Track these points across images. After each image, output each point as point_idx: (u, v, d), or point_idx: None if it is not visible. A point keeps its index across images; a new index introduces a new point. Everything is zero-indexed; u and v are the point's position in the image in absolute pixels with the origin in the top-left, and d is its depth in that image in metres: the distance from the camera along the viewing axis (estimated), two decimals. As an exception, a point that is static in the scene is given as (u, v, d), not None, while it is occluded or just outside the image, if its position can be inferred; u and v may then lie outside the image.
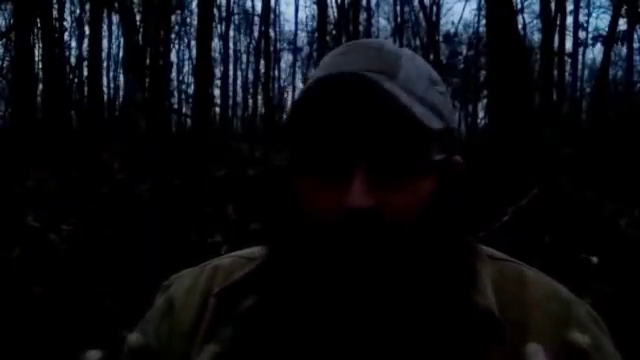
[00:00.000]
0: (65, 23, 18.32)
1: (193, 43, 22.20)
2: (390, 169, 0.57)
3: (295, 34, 27.66)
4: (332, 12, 20.63)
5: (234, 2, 24.41)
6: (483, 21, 18.07)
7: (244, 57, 29.06)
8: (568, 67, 20.38)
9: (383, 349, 0.59)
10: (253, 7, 28.29)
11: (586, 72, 26.14)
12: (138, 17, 15.05)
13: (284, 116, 24.87)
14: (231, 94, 26.61)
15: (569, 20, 19.14)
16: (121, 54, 22.44)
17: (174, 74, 25.79)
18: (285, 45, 29.53)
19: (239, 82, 28.99)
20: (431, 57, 19.70)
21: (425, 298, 0.59)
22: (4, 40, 14.32)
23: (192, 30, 22.31)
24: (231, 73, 26.52)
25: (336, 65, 0.61)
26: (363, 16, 21.92)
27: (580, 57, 22.30)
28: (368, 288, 0.57)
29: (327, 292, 0.58)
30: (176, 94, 26.10)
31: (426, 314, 0.59)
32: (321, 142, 0.58)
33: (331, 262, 0.57)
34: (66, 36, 19.49)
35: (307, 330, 0.60)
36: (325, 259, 0.57)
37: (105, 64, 22.21)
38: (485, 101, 20.73)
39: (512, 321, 0.61)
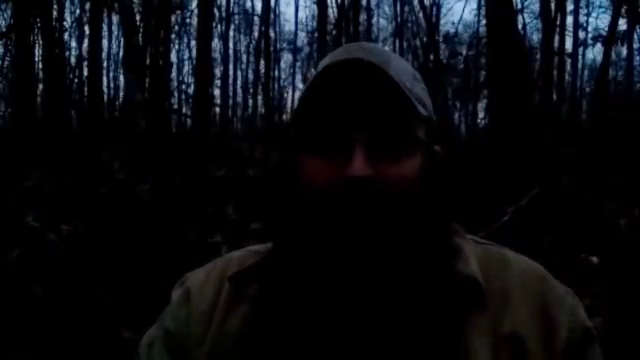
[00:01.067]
0: (65, 23, 18.31)
1: (193, 43, 22.22)
2: (386, 144, 0.64)
3: (295, 34, 27.70)
4: (332, 12, 20.63)
5: (234, 2, 24.43)
6: (483, 21, 18.06)
7: (244, 57, 29.10)
8: (568, 67, 20.39)
9: (378, 327, 0.64)
10: (253, 7, 28.34)
11: (586, 72, 26.15)
12: (138, 17, 15.05)
13: (284, 116, 24.91)
14: (231, 94, 26.60)
15: (569, 20, 19.15)
16: (121, 54, 22.45)
17: (174, 74, 25.79)
18: (285, 45, 29.55)
19: (239, 82, 29.01)
20: (431, 57, 19.70)
21: (414, 262, 0.66)
22: (4, 40, 14.32)
23: (192, 30, 22.32)
24: (231, 73, 26.52)
25: (339, 55, 0.68)
26: (363, 16, 21.92)
27: (580, 57, 22.30)
28: (368, 256, 0.63)
29: (330, 261, 0.64)
30: (176, 94, 26.09)
31: (413, 278, 0.65)
32: (323, 121, 0.65)
33: (334, 231, 0.63)
34: (66, 36, 19.48)
35: (312, 301, 0.65)
36: (329, 227, 0.63)
37: (105, 64, 22.22)
38: (485, 101, 20.74)
39: (495, 289, 0.67)
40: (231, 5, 23.62)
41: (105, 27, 21.51)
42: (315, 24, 21.48)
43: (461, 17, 48.18)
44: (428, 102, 0.71)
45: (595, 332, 0.69)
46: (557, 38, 16.70)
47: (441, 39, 23.58)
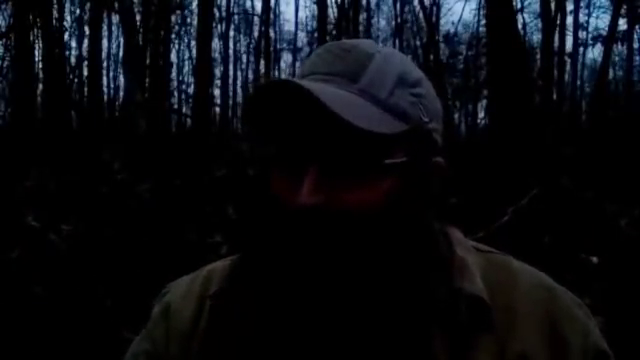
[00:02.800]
0: (65, 23, 18.32)
1: (193, 43, 22.20)
2: (339, 170, 0.59)
3: (295, 34, 27.70)
4: (332, 12, 20.64)
5: (234, 2, 24.43)
6: (483, 21, 18.06)
7: (244, 57, 29.12)
8: (568, 67, 20.38)
9: (345, 344, 0.60)
10: (253, 7, 28.31)
11: (586, 72, 26.15)
12: (138, 17, 15.05)
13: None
14: (231, 94, 26.62)
15: (569, 20, 19.15)
16: (121, 54, 22.44)
17: (174, 74, 25.81)
18: (285, 45, 29.55)
19: (239, 82, 29.03)
20: (431, 57, 19.70)
21: (395, 284, 0.60)
22: (4, 40, 14.31)
23: (192, 30, 22.32)
24: (231, 73, 26.56)
25: (310, 66, 0.64)
26: (363, 16, 21.92)
27: (580, 57, 22.31)
28: (322, 280, 0.59)
29: (289, 288, 0.60)
30: (176, 94, 26.11)
31: (396, 301, 0.60)
32: (277, 146, 0.62)
33: (291, 255, 0.59)
34: (66, 36, 19.47)
35: (285, 331, 0.61)
36: (286, 253, 0.60)
37: (105, 64, 22.23)
38: (485, 101, 20.73)
39: (501, 307, 0.63)
40: (231, 5, 23.65)
41: (105, 27, 21.51)
42: (315, 24, 21.49)
43: (460, 17, 48.05)
44: (414, 111, 0.62)
45: (610, 352, 0.65)
46: (557, 38, 16.71)
47: (441, 39, 23.58)
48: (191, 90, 23.49)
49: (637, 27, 18.13)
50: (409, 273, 0.61)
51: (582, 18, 22.00)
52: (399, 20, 23.55)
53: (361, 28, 20.02)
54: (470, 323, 0.61)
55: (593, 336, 0.64)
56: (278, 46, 27.72)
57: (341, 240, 0.58)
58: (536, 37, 22.44)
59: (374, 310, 0.60)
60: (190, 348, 0.67)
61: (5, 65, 16.11)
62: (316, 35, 20.10)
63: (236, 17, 26.60)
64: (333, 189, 0.58)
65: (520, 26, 15.67)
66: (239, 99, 29.38)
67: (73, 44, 21.35)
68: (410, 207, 0.62)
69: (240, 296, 0.65)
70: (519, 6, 19.10)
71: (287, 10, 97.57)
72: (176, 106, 24.36)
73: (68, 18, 20.16)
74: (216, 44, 22.76)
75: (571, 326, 0.63)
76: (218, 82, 23.77)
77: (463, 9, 61.71)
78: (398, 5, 23.13)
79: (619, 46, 17.66)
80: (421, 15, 20.81)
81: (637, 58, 20.30)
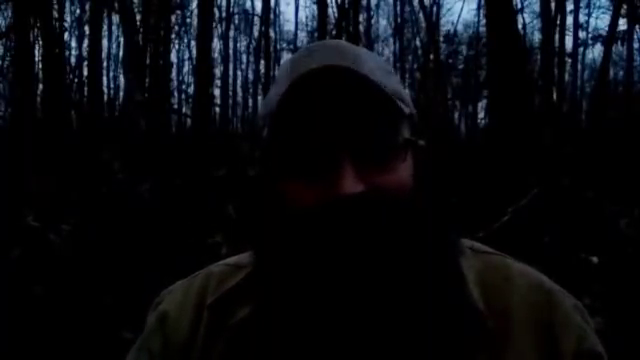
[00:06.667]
0: (65, 23, 18.31)
1: (193, 43, 22.18)
2: (375, 154, 0.58)
3: (295, 34, 27.67)
4: (332, 12, 20.63)
5: (234, 2, 24.42)
6: (483, 21, 18.06)
7: (244, 57, 29.11)
8: (568, 67, 20.37)
9: (376, 351, 0.57)
10: (253, 7, 28.31)
11: (586, 72, 26.14)
12: (138, 17, 15.05)
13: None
14: (231, 94, 26.60)
15: (569, 20, 19.14)
16: (121, 54, 22.44)
17: (174, 74, 25.78)
18: (285, 45, 29.52)
19: (239, 82, 29.02)
20: (431, 57, 19.69)
21: (420, 287, 0.57)
22: (4, 40, 14.31)
23: (192, 30, 22.31)
24: (231, 73, 26.53)
25: (304, 65, 0.60)
26: (363, 16, 21.91)
27: (580, 57, 22.29)
28: (366, 280, 0.55)
29: (321, 288, 0.56)
30: (176, 94, 26.10)
31: (417, 303, 0.57)
32: (303, 142, 0.58)
33: (325, 255, 0.55)
34: (66, 36, 19.49)
35: (305, 334, 0.58)
36: (318, 253, 0.55)
37: (105, 64, 22.20)
38: (485, 101, 20.72)
39: (496, 312, 0.61)
40: (231, 5, 23.63)
41: (105, 27, 21.49)
42: (315, 24, 21.48)
43: (459, 17, 48.08)
44: (407, 96, 0.64)
45: (605, 355, 0.63)
46: (557, 38, 16.70)
47: (441, 39, 23.57)
48: (191, 90, 23.50)
49: (637, 27, 18.13)
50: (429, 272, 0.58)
51: (582, 18, 22.00)
52: (399, 20, 23.55)
53: (361, 28, 20.01)
54: (465, 334, 0.59)
55: (588, 341, 0.63)
56: (278, 46, 27.70)
57: (389, 229, 0.56)
58: (536, 37, 22.45)
59: (401, 313, 0.57)
60: (189, 359, 0.65)
61: (5, 65, 16.10)
62: (316, 35, 20.08)
63: (236, 17, 26.61)
64: (369, 174, 0.57)
65: (520, 26, 15.69)
66: (239, 99, 29.40)
67: (73, 44, 21.39)
68: (429, 189, 0.62)
69: (257, 315, 0.62)
70: (519, 6, 19.12)
71: (287, 10, 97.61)
72: (176, 106, 24.35)
73: (68, 18, 20.16)
74: (216, 44, 22.76)
75: (567, 332, 0.62)
76: (218, 82, 23.75)
77: (461, 9, 61.69)
78: (398, 5, 23.13)
79: (619, 46, 17.66)
80: (421, 15, 20.81)
81: (637, 58, 20.31)
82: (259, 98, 25.86)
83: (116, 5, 13.73)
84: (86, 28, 19.00)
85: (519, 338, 0.61)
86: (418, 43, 23.02)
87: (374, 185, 0.57)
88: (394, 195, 0.57)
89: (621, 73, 23.88)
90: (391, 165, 0.59)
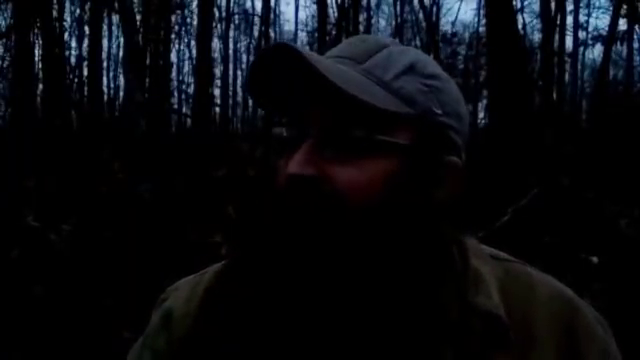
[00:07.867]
0: (65, 23, 18.29)
1: (193, 43, 22.18)
2: (335, 144, 0.57)
3: (295, 34, 27.66)
4: (332, 12, 20.63)
5: (234, 2, 24.42)
6: (483, 21, 18.06)
7: (244, 57, 29.09)
8: (568, 67, 20.36)
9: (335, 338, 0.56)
10: (253, 7, 28.28)
11: (586, 72, 26.14)
12: (138, 17, 15.04)
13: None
14: (231, 94, 26.60)
15: (569, 20, 19.14)
16: (121, 54, 22.44)
17: (174, 74, 25.78)
18: (285, 45, 29.46)
19: (239, 82, 28.99)
20: (431, 57, 19.67)
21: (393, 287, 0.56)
22: (4, 40, 14.31)
23: (192, 30, 22.30)
24: (231, 73, 26.53)
25: (327, 53, 0.65)
26: (363, 16, 21.91)
27: (580, 57, 22.29)
28: (310, 257, 0.55)
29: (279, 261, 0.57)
30: (176, 94, 26.08)
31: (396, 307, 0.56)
32: (283, 122, 0.62)
33: (281, 230, 0.56)
34: (66, 36, 19.47)
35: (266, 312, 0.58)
36: (277, 226, 0.57)
37: (105, 64, 22.21)
38: (485, 101, 20.73)
39: (518, 321, 0.60)
40: (231, 5, 23.62)
41: (105, 27, 21.50)
42: (315, 24, 21.49)
43: (456, 17, 47.86)
44: (424, 100, 0.60)
45: None
46: (557, 38, 16.70)
47: (441, 39, 23.57)
48: (191, 90, 23.49)
49: (637, 27, 18.13)
50: (412, 279, 0.57)
51: (582, 18, 22.00)
52: (399, 20, 23.55)
53: (361, 28, 20.01)
54: (485, 342, 0.57)
55: (612, 356, 0.63)
56: (278, 46, 27.64)
57: (331, 227, 0.54)
58: (536, 37, 22.45)
59: (370, 317, 0.56)
60: (194, 355, 0.63)
61: (5, 65, 16.10)
62: (316, 35, 20.08)
63: (236, 17, 26.61)
64: (326, 163, 0.56)
65: (520, 26, 15.67)
66: (239, 99, 29.40)
67: (73, 44, 21.36)
68: (413, 202, 0.58)
69: (231, 291, 0.61)
70: (519, 6, 19.11)
71: (287, 10, 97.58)
72: (176, 106, 24.35)
73: (68, 18, 20.15)
74: (216, 44, 22.77)
75: (590, 345, 0.61)
76: (218, 82, 23.76)
77: (458, 9, 61.50)
78: (398, 5, 23.13)
79: (619, 46, 17.65)
80: (421, 15, 20.82)
81: (637, 58, 20.31)
82: (259, 98, 25.79)
83: (116, 5, 13.71)
84: (86, 28, 19.00)
85: (542, 347, 0.60)
86: (418, 43, 23.02)
87: (327, 173, 0.56)
88: (346, 187, 0.55)
89: (621, 73, 23.88)
90: (356, 160, 0.56)
